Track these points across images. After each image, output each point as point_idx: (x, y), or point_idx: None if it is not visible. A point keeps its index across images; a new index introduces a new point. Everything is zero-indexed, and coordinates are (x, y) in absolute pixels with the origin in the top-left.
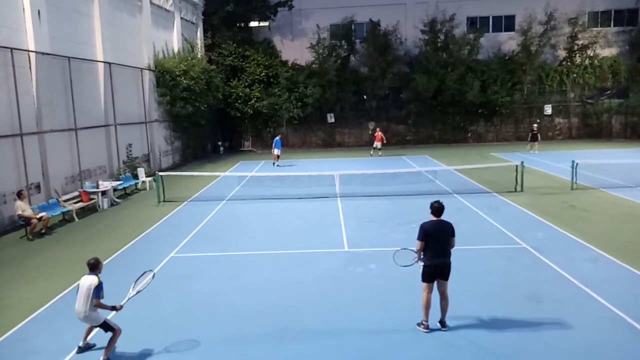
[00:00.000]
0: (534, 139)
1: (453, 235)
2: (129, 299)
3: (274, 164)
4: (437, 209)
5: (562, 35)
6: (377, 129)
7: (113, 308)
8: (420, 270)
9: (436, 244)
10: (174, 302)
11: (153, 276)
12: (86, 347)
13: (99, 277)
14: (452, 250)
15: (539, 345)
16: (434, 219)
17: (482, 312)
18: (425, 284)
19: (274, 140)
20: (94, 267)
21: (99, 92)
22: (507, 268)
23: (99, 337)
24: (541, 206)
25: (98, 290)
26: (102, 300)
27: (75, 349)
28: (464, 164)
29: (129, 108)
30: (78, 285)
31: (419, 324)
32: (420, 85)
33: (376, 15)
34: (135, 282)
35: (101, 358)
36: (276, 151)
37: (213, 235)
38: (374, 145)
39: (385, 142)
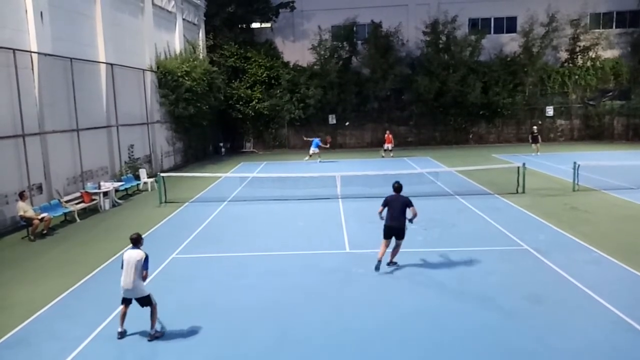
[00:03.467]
0: (534, 140)
1: (409, 205)
2: None
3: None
4: (394, 187)
5: (564, 37)
6: (387, 132)
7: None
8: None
9: (391, 210)
10: (175, 302)
11: None
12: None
13: (144, 251)
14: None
15: (540, 346)
16: (394, 194)
17: (483, 314)
18: (383, 240)
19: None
20: (137, 241)
21: (101, 93)
22: (508, 269)
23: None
24: (542, 208)
25: (147, 262)
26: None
27: (117, 335)
28: (466, 166)
29: (131, 109)
30: (122, 259)
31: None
32: (422, 86)
33: (378, 17)
34: None
35: (152, 332)
36: (312, 150)
37: (215, 236)
38: (385, 147)
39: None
